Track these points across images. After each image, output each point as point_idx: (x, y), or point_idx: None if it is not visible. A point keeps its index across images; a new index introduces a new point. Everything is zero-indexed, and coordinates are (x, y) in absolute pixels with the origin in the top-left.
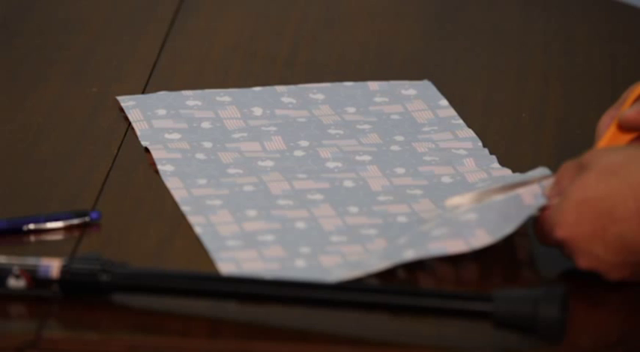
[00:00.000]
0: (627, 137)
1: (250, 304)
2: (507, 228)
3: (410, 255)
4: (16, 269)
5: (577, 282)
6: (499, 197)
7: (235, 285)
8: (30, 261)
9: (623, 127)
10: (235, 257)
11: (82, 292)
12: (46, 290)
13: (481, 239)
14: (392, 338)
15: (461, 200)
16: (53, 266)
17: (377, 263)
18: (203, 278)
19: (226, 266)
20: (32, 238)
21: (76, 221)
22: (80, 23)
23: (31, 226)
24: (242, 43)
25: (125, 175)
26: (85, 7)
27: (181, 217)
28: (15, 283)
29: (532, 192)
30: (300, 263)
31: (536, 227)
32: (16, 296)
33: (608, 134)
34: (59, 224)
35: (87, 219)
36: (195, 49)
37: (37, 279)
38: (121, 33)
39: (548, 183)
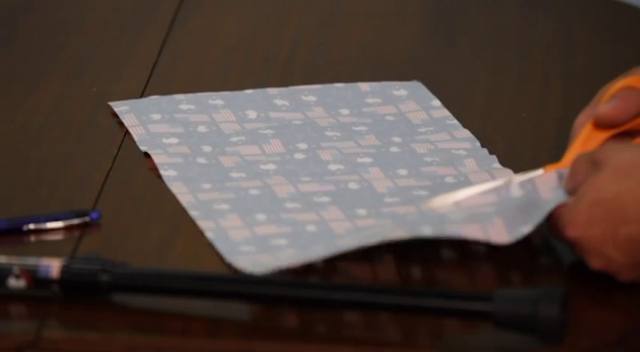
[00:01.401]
0: (603, 135)
1: (250, 304)
2: (526, 227)
3: (427, 230)
4: (16, 269)
5: (577, 282)
6: (517, 193)
7: (235, 285)
8: (30, 260)
9: (600, 124)
10: (254, 258)
11: (82, 292)
12: (46, 290)
13: (498, 231)
14: (392, 338)
15: (444, 201)
16: (53, 266)
17: (394, 231)
18: (203, 278)
19: (243, 263)
20: (32, 238)
21: (76, 221)
22: (80, 23)
23: (31, 226)
24: (242, 43)
25: (125, 175)
26: (85, 7)
27: (181, 217)
28: (15, 283)
29: (549, 185)
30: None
31: (550, 222)
32: (16, 296)
33: (584, 133)
34: (59, 224)
35: (87, 219)
36: (195, 49)
37: (37, 279)
38: (121, 33)
39: (565, 172)
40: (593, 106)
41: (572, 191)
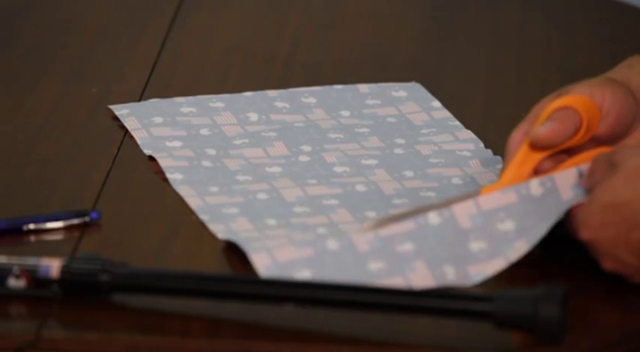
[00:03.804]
0: (539, 156)
1: (250, 304)
2: (543, 228)
3: (452, 277)
4: (16, 269)
5: (577, 282)
6: (536, 191)
7: (235, 285)
8: (30, 261)
9: (536, 146)
10: (267, 245)
11: (82, 292)
12: (46, 290)
13: (519, 250)
14: (392, 338)
15: (369, 225)
16: (53, 266)
17: (422, 277)
18: (203, 278)
19: (260, 256)
20: (32, 238)
21: (76, 221)
22: (80, 23)
23: (31, 226)
24: (242, 43)
25: (125, 175)
26: (85, 7)
27: (181, 217)
28: (15, 283)
29: (569, 182)
30: (332, 244)
31: (566, 220)
32: (16, 296)
33: (520, 154)
34: (59, 224)
35: (87, 219)
36: (195, 49)
37: (37, 279)
38: (121, 33)
39: (585, 169)
40: (528, 123)
41: (589, 189)
